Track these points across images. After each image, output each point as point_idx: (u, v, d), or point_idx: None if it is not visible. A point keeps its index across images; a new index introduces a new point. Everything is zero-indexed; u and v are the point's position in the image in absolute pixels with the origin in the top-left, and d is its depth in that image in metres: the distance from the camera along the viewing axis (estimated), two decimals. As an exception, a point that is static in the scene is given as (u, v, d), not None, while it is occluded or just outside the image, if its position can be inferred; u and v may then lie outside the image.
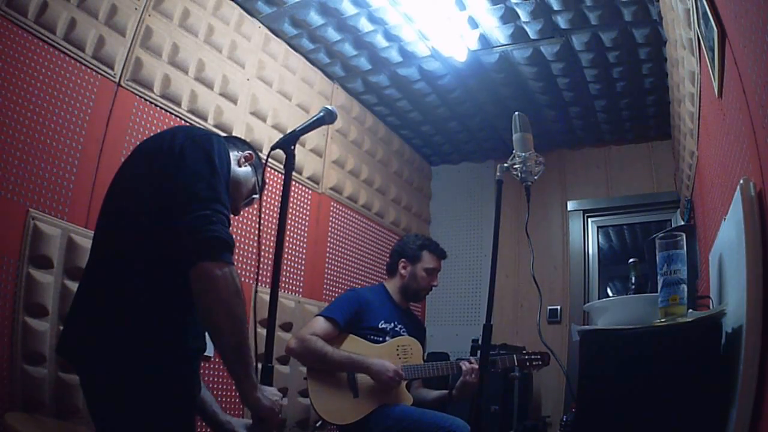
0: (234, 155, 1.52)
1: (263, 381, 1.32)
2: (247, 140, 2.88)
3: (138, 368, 1.22)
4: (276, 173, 3.05)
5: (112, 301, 1.25)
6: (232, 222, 1.31)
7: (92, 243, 1.39)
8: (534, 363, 2.58)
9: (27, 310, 1.91)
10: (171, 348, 1.28)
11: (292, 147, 1.43)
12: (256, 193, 1.61)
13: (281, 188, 1.43)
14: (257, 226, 2.95)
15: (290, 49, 3.25)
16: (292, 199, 3.16)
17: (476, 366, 2.43)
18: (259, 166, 1.61)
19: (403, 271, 2.71)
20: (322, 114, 1.49)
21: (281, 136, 1.51)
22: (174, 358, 1.29)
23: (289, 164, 1.43)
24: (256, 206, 3.05)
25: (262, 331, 1.39)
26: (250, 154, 1.57)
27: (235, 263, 2.77)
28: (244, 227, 2.89)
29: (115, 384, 1.22)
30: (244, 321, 1.25)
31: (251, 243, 2.91)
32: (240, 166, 1.54)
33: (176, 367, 1.29)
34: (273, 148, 1.44)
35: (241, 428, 1.56)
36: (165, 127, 2.51)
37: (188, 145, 1.32)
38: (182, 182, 1.26)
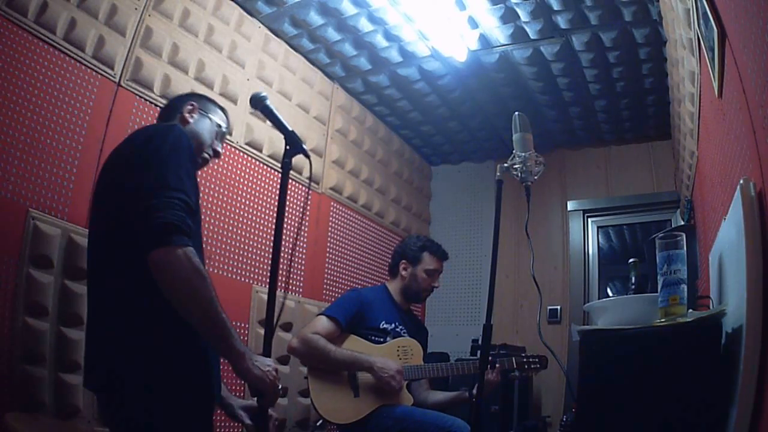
0: (180, 115, 1.59)
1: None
2: (252, 140, 2.93)
3: (150, 379, 1.23)
4: (276, 173, 3.05)
5: (111, 320, 1.27)
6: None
7: (87, 256, 1.40)
8: (532, 366, 2.58)
9: (27, 310, 1.91)
10: (180, 349, 1.28)
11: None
12: (221, 129, 1.65)
13: (300, 194, 1.42)
14: (256, 226, 2.95)
15: (290, 49, 3.25)
16: (291, 199, 3.16)
17: (495, 370, 2.43)
18: (209, 109, 1.65)
19: (403, 273, 2.71)
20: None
21: (281, 135, 1.50)
22: (185, 358, 1.29)
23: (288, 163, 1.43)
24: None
25: (261, 331, 1.38)
26: (191, 105, 1.61)
27: (235, 263, 2.78)
28: (244, 228, 2.89)
29: (136, 403, 1.23)
30: (209, 298, 1.23)
31: (251, 243, 2.91)
32: (191, 120, 1.59)
33: (189, 366, 1.29)
34: (292, 155, 1.46)
35: (239, 409, 1.58)
36: (165, 127, 2.52)
37: (139, 144, 1.35)
38: (134, 180, 1.28)
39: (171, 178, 1.26)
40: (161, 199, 1.22)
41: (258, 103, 1.50)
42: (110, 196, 1.36)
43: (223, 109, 1.71)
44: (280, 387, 1.32)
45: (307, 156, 1.45)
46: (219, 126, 1.66)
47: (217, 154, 1.65)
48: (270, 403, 1.33)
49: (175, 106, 1.64)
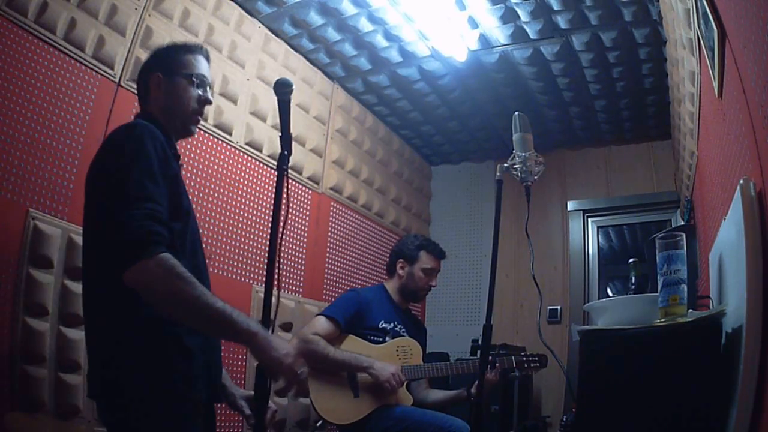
0: (149, 96, 1.50)
1: (258, 382, 1.27)
2: (252, 140, 2.93)
3: (138, 387, 1.22)
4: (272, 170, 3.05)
5: (99, 327, 1.28)
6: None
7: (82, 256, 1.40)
8: (532, 365, 2.58)
9: (27, 310, 1.91)
10: (165, 355, 1.26)
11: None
12: (196, 76, 1.51)
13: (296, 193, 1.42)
14: (256, 226, 2.95)
15: (290, 49, 3.25)
16: (292, 200, 3.16)
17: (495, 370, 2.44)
18: (175, 68, 1.50)
19: (401, 272, 2.71)
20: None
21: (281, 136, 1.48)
22: (167, 359, 1.26)
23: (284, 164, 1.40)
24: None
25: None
26: (157, 77, 1.48)
27: (235, 263, 2.78)
28: (244, 228, 2.89)
29: (125, 411, 1.23)
30: (195, 296, 1.19)
31: (251, 243, 2.91)
32: (162, 93, 1.48)
33: (173, 366, 1.26)
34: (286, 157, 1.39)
35: (241, 399, 1.57)
36: (165, 127, 2.52)
37: (103, 154, 1.33)
38: (98, 194, 1.27)
39: (132, 189, 1.21)
40: (122, 216, 1.18)
41: (282, 91, 1.38)
42: (86, 205, 1.34)
43: (189, 48, 1.55)
44: (300, 371, 1.26)
45: (288, 154, 1.40)
46: (191, 76, 1.50)
47: (206, 102, 1.53)
48: (288, 388, 1.28)
49: (143, 85, 1.52)
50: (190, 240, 1.40)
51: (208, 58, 1.58)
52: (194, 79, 1.50)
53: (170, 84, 1.48)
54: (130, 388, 1.22)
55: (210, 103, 1.54)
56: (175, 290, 1.17)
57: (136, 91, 1.56)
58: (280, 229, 1.34)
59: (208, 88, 1.54)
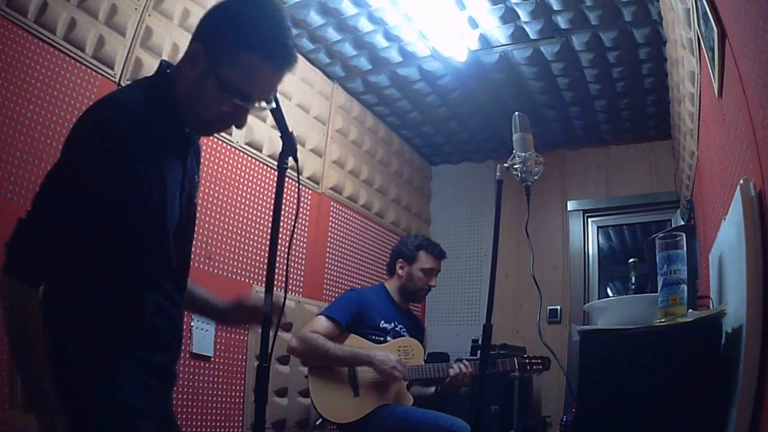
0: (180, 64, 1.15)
1: (258, 381, 1.20)
2: (252, 140, 2.93)
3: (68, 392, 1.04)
4: (272, 170, 3.05)
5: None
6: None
7: None
8: (535, 367, 2.58)
9: (27, 310, 1.90)
10: (85, 351, 1.07)
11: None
12: (234, 100, 1.11)
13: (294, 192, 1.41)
14: (256, 226, 2.95)
15: (290, 49, 3.25)
16: (291, 200, 3.16)
17: (468, 370, 2.45)
18: (231, 56, 1.09)
19: (400, 272, 2.72)
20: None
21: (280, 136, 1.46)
22: (91, 364, 1.06)
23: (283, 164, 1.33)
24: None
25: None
26: (198, 48, 1.11)
27: (235, 263, 2.78)
28: (244, 228, 2.89)
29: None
30: (15, 335, 1.00)
31: (251, 243, 2.91)
32: (190, 74, 1.12)
33: (97, 372, 1.06)
34: (287, 156, 1.26)
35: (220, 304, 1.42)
36: (165, 127, 2.52)
37: (72, 130, 1.09)
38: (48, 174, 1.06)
39: (55, 200, 1.03)
40: (27, 218, 1.03)
41: None
42: None
43: (263, 43, 1.09)
44: None
45: (296, 160, 1.25)
46: (232, 91, 1.09)
47: (237, 125, 1.18)
48: None
49: (192, 37, 1.14)
50: (158, 234, 1.15)
51: (286, 66, 1.13)
52: (230, 95, 1.10)
53: (205, 76, 1.10)
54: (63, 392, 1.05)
55: (240, 127, 1.19)
56: (8, 323, 1.00)
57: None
58: (280, 231, 1.29)
59: (250, 109, 1.15)
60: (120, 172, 1.04)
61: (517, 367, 2.56)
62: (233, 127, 1.20)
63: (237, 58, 1.08)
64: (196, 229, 1.35)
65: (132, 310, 1.10)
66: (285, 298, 1.28)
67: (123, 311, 1.09)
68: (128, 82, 2.37)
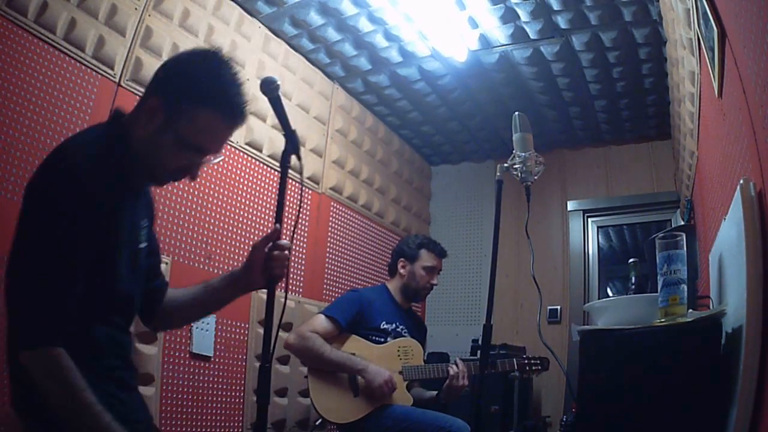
0: (140, 112, 1.16)
1: (261, 381, 1.19)
2: (252, 140, 2.93)
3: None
4: (276, 173, 3.05)
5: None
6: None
7: None
8: (534, 368, 2.58)
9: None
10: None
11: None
12: (189, 155, 1.16)
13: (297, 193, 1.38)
14: (256, 226, 2.95)
15: (290, 49, 3.25)
16: (291, 199, 3.16)
17: (464, 369, 2.45)
18: (187, 112, 1.13)
19: (402, 271, 2.72)
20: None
21: (281, 135, 1.46)
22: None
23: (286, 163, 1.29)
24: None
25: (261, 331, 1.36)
26: (158, 102, 1.13)
27: (235, 263, 2.78)
28: (244, 228, 2.89)
29: None
30: (71, 407, 1.03)
31: (251, 243, 2.90)
32: (145, 129, 1.15)
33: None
34: (289, 155, 1.26)
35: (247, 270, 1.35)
36: (165, 127, 2.52)
37: (27, 190, 1.10)
38: (14, 246, 1.08)
39: (46, 260, 1.05)
40: (29, 288, 1.05)
41: (269, 89, 1.23)
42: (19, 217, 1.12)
43: (217, 99, 1.15)
44: None
45: (299, 158, 1.26)
46: (186, 142, 1.13)
47: (190, 177, 1.21)
48: None
49: (147, 89, 1.20)
50: (122, 272, 1.19)
51: (237, 122, 1.20)
52: (186, 150, 1.15)
53: (161, 130, 1.14)
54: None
55: (193, 180, 1.22)
56: (52, 394, 1.04)
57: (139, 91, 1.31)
58: (282, 231, 1.28)
59: (202, 162, 1.20)
60: (87, 220, 1.06)
61: (516, 367, 2.56)
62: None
63: (195, 114, 1.13)
64: (161, 253, 1.41)
65: (87, 343, 1.12)
66: (286, 298, 1.27)
67: (80, 346, 1.10)
68: (128, 83, 2.37)
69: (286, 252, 1.28)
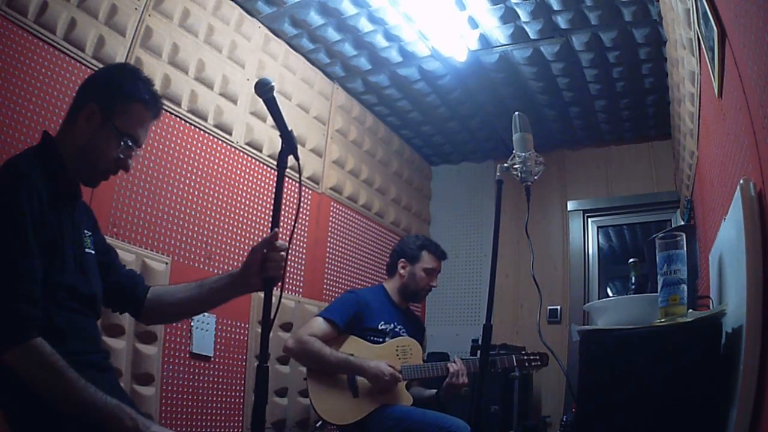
0: (77, 119, 1.32)
1: (259, 381, 1.22)
2: (252, 140, 2.93)
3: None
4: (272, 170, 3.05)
5: None
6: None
7: None
8: (533, 364, 2.59)
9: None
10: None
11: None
12: (128, 143, 1.34)
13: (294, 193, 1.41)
14: (256, 226, 2.95)
15: (290, 49, 3.25)
16: (291, 199, 3.16)
17: (462, 367, 2.45)
18: (117, 111, 1.32)
19: (402, 271, 2.72)
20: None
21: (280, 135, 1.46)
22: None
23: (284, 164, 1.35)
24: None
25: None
26: (91, 108, 1.31)
27: (235, 263, 2.77)
28: (244, 228, 2.89)
29: None
30: (65, 389, 1.14)
31: (251, 243, 2.91)
32: (85, 131, 1.31)
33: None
34: (286, 155, 1.33)
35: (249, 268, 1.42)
36: (165, 127, 2.52)
37: None
38: None
39: (4, 264, 1.14)
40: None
41: (263, 91, 1.32)
42: None
43: (142, 96, 1.35)
44: None
45: (297, 158, 1.33)
46: (124, 136, 1.33)
47: (124, 169, 1.37)
48: None
49: (76, 103, 1.35)
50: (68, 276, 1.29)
51: (157, 115, 1.41)
52: (123, 142, 1.34)
53: (100, 128, 1.31)
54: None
55: (127, 170, 1.38)
56: (42, 382, 1.13)
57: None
58: (280, 231, 1.30)
59: (134, 153, 1.37)
60: (33, 222, 1.18)
61: (515, 363, 2.56)
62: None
63: (128, 108, 1.34)
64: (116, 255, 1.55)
65: (49, 330, 1.20)
66: (280, 297, 1.29)
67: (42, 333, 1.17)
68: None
69: (283, 253, 1.35)
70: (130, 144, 1.35)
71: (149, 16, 2.47)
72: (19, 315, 1.12)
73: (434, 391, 2.59)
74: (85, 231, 1.39)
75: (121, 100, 1.34)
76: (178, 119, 2.59)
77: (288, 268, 3.17)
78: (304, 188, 3.33)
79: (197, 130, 2.68)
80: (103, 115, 1.31)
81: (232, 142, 2.85)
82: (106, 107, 1.32)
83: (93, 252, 1.39)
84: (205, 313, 2.58)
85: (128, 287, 1.50)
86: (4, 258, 1.14)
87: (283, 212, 1.36)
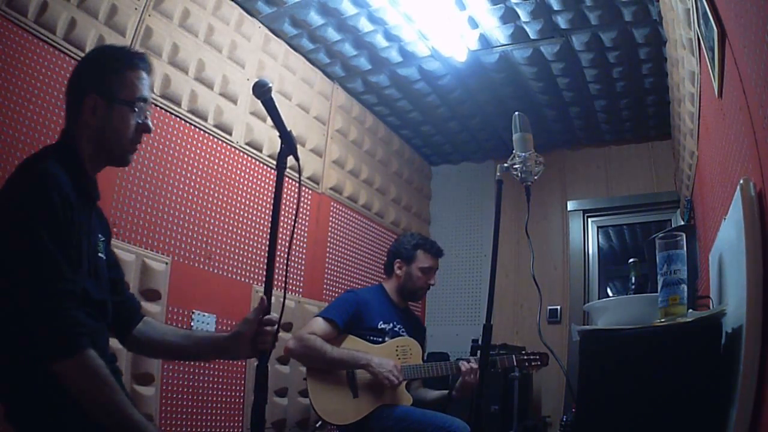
0: (81, 118, 1.33)
1: (259, 380, 1.23)
2: (252, 140, 2.93)
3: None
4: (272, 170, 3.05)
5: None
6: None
7: None
8: (533, 363, 2.58)
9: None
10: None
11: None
12: (139, 101, 1.34)
13: (294, 194, 1.41)
14: (256, 226, 2.95)
15: (290, 49, 3.25)
16: (291, 199, 3.16)
17: (475, 366, 2.44)
18: (116, 88, 1.33)
19: (398, 272, 2.71)
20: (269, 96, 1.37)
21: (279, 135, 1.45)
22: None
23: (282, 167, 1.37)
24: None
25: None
26: (92, 98, 1.31)
27: (235, 263, 2.78)
28: (244, 228, 2.89)
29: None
30: (113, 406, 1.13)
31: (251, 243, 2.91)
32: (95, 122, 1.32)
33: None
34: (286, 155, 1.36)
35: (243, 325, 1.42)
36: (165, 127, 2.52)
37: (3, 214, 1.19)
38: (4, 263, 1.14)
39: (45, 262, 1.12)
40: (38, 296, 1.10)
41: (261, 92, 1.34)
42: None
43: (130, 61, 1.36)
44: None
45: (296, 158, 1.35)
46: (133, 103, 1.33)
47: (146, 131, 1.38)
48: None
49: (74, 102, 1.34)
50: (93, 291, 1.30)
51: (149, 69, 1.41)
52: (136, 108, 1.34)
53: (109, 110, 1.32)
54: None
55: (150, 131, 1.39)
56: (92, 396, 1.12)
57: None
58: (280, 231, 1.30)
59: (148, 112, 1.38)
60: (66, 223, 1.18)
61: (515, 363, 2.56)
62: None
63: (123, 79, 1.34)
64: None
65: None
66: (284, 298, 1.28)
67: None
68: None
69: (274, 327, 1.35)
70: (142, 105, 1.36)
71: (149, 16, 2.47)
72: (69, 323, 1.10)
73: (443, 392, 2.58)
74: (99, 235, 1.39)
75: (114, 76, 1.34)
76: (178, 119, 2.59)
77: (288, 268, 3.16)
78: (304, 188, 3.33)
79: (197, 130, 2.68)
80: (106, 99, 1.32)
81: (232, 142, 2.85)
82: (105, 91, 1.32)
83: (104, 258, 1.40)
84: (206, 313, 2.59)
85: (125, 314, 1.48)
86: (45, 262, 1.12)
87: (283, 212, 1.36)
